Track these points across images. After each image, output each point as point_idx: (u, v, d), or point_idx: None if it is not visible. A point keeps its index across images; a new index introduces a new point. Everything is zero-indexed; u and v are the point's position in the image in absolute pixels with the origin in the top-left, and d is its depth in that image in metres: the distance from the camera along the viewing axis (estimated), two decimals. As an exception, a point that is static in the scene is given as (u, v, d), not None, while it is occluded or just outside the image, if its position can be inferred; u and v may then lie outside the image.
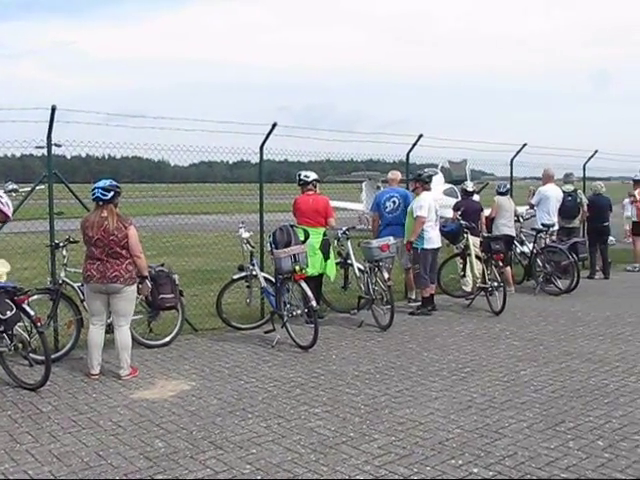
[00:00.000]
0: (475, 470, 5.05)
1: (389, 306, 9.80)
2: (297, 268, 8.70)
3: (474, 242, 11.64)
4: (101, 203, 7.43)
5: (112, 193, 7.42)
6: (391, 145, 12.41)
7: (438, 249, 11.16)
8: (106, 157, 10.41)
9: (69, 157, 9.35)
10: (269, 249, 9.08)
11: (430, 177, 11.17)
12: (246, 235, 9.50)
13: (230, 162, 11.33)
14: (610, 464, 5.16)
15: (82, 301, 8.11)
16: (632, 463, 5.18)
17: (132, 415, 6.31)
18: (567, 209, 14.31)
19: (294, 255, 8.76)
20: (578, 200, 14.70)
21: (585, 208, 14.95)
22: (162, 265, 8.83)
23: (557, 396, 6.81)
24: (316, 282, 10.07)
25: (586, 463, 5.18)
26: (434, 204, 10.97)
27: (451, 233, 11.59)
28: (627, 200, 16.65)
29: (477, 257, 11.46)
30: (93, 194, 7.45)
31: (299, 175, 10.35)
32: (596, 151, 16.75)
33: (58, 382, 7.28)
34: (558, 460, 5.23)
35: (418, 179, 11.07)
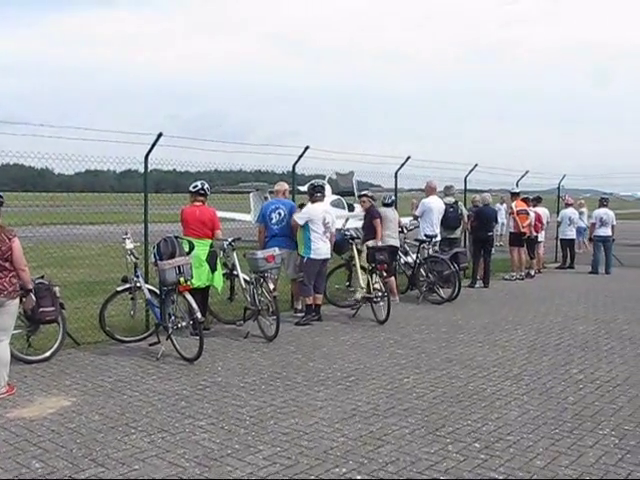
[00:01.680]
0: (358, 477, 5.14)
1: (275, 317, 9.84)
2: (181, 280, 8.63)
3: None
4: None
5: None
6: (280, 156, 12.51)
7: (326, 260, 11.28)
8: (-16, 164, 10.00)
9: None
10: (153, 260, 8.97)
11: (315, 188, 11.30)
12: (130, 246, 9.35)
13: (118, 171, 11.12)
14: (485, 464, 5.38)
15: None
16: (505, 462, 5.43)
17: (7, 435, 6.06)
18: (449, 220, 14.77)
19: (178, 267, 8.67)
20: (459, 212, 15.22)
21: (466, 219, 15.50)
22: (42, 277, 8.56)
23: (438, 402, 7.02)
24: (203, 294, 10.01)
25: (464, 465, 5.37)
26: (323, 215, 11.12)
27: (336, 244, 11.73)
28: (500, 206, 17.52)
29: (362, 267, 11.68)
30: None
31: (202, 184, 10.26)
32: (476, 165, 17.41)
33: None
34: (438, 464, 5.40)
35: (308, 191, 11.30)
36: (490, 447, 5.75)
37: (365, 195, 12.92)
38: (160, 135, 9.87)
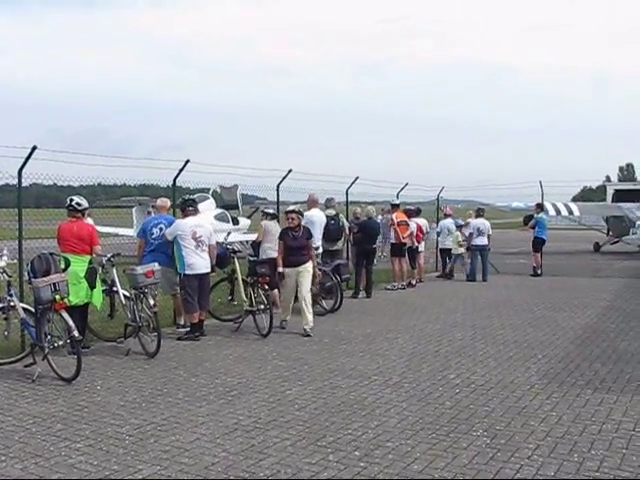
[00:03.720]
0: (239, 491, 5.15)
1: (156, 333, 9.71)
2: (57, 297, 8.40)
3: None
4: None
5: None
6: (164, 170, 12.41)
7: (205, 275, 11.18)
8: None
9: None
10: (27, 278, 8.68)
11: (185, 202, 11.26)
12: (2, 264, 9.00)
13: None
14: (365, 472, 5.51)
15: None
16: (384, 468, 5.58)
17: None
18: (330, 233, 14.97)
19: (54, 284, 8.44)
20: (341, 224, 15.46)
21: (347, 231, 15.76)
22: None
23: (319, 412, 7.12)
24: (81, 312, 9.76)
25: (344, 473, 5.48)
26: (193, 230, 10.99)
27: (218, 257, 11.67)
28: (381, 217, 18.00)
29: (244, 281, 11.69)
30: None
31: (71, 200, 10.00)
32: (357, 177, 17.72)
33: None
34: (319, 473, 5.49)
35: (180, 205, 11.35)
36: (369, 454, 5.89)
37: (293, 211, 11.90)
38: (34, 148, 9.58)
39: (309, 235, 12.01)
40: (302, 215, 12.26)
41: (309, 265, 11.74)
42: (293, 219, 11.72)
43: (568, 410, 7.19)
